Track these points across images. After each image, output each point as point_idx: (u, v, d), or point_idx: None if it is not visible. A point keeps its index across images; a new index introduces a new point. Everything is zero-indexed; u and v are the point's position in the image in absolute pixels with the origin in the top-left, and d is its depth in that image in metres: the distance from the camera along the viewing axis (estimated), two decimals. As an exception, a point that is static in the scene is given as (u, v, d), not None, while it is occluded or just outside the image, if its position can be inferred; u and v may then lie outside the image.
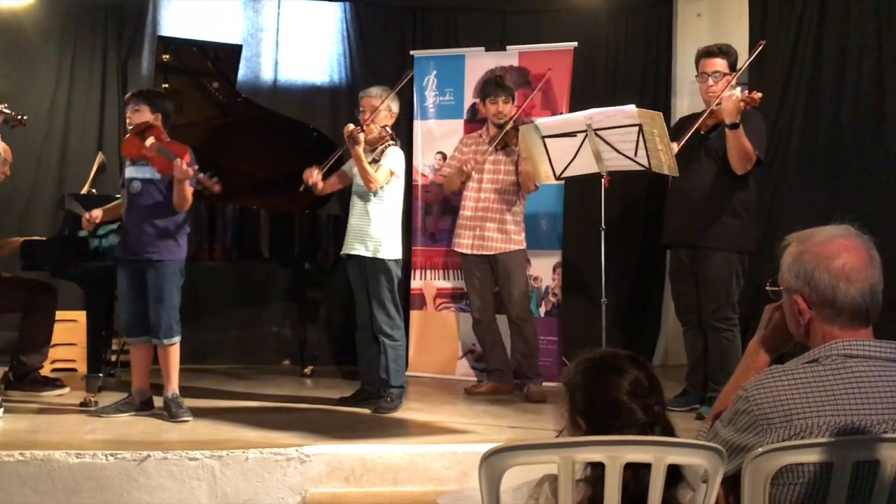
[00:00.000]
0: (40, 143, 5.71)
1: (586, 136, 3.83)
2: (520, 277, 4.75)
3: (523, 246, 4.77)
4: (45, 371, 4.80)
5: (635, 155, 3.80)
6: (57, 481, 3.24)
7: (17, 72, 5.51)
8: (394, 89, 4.41)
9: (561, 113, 5.10)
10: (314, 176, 4.37)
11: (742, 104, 3.83)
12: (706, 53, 4.21)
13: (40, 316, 4.65)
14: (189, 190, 3.89)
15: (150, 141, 3.87)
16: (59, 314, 4.85)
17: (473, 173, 4.73)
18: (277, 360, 6.05)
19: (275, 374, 5.59)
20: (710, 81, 4.14)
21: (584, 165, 3.94)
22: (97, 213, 4.11)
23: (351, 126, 4.21)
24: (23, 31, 5.73)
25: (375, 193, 4.30)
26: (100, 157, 4.94)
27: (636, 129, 3.73)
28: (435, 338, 5.41)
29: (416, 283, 5.49)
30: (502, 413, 4.30)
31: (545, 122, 4.08)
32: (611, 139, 3.79)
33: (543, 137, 3.94)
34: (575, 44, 5.30)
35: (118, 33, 5.92)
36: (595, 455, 1.64)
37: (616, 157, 3.84)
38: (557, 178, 4.13)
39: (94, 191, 4.97)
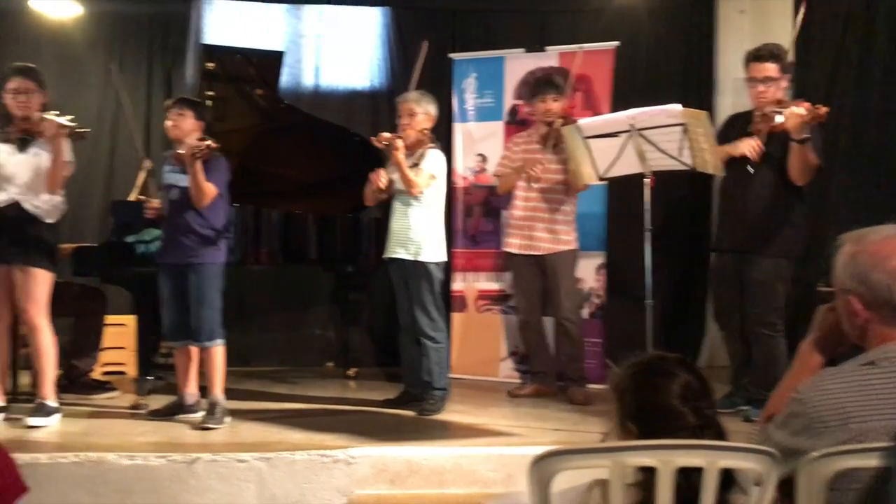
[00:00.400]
0: (89, 152, 5.82)
1: (629, 136, 3.80)
2: (568, 278, 4.70)
3: (573, 246, 4.72)
4: (96, 374, 4.91)
5: (679, 155, 3.76)
6: (110, 483, 3.31)
7: (66, 82, 5.62)
8: (414, 73, 4.39)
9: (602, 113, 5.07)
10: (381, 177, 4.35)
11: (808, 119, 3.72)
12: (755, 57, 4.10)
13: (91, 321, 4.76)
14: (202, 182, 3.89)
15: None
16: (109, 318, 4.95)
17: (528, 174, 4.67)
18: (321, 361, 6.10)
19: (318, 375, 5.64)
20: (761, 87, 4.05)
21: (628, 166, 3.91)
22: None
23: (386, 134, 4.22)
24: (71, 42, 5.87)
25: (416, 197, 4.31)
26: (147, 164, 5.02)
27: (680, 128, 3.69)
28: (477, 340, 5.40)
29: (457, 285, 5.49)
30: (546, 416, 4.28)
31: (587, 122, 4.06)
32: (655, 139, 3.75)
33: (586, 138, 3.92)
34: (616, 43, 5.26)
35: (163, 42, 6.03)
36: (646, 459, 1.63)
37: (660, 156, 3.80)
38: (600, 179, 4.11)
39: (141, 197, 5.05)
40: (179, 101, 4.15)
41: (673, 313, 5.87)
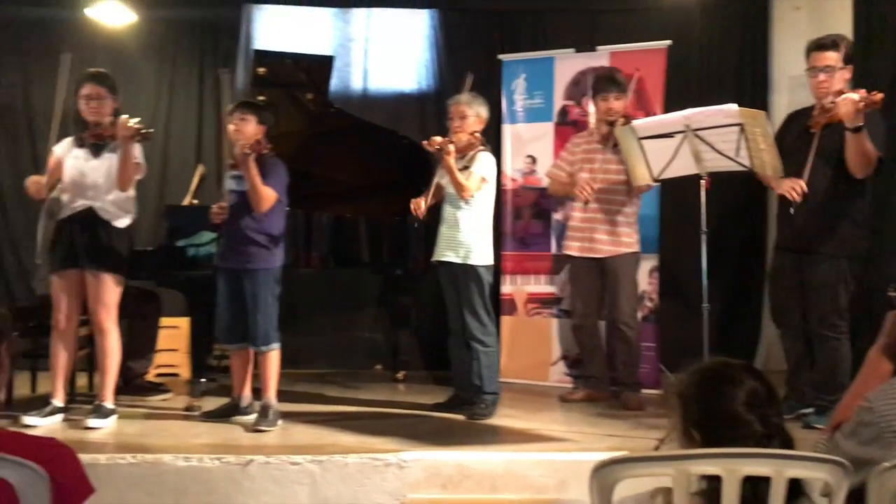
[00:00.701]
0: (142, 155, 5.94)
1: (685, 136, 3.73)
2: (628, 282, 4.63)
3: (635, 248, 4.64)
4: (150, 376, 4.99)
5: (737, 155, 3.68)
6: (166, 483, 3.35)
7: (121, 87, 5.70)
8: (482, 103, 4.37)
9: (655, 114, 5.00)
10: (422, 207, 4.35)
11: (861, 106, 3.59)
12: (817, 46, 4.01)
13: (146, 323, 4.83)
14: (258, 185, 3.90)
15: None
16: (162, 321, 5.03)
17: (584, 174, 4.60)
18: (369, 364, 6.12)
19: (367, 378, 5.65)
20: (822, 77, 3.95)
21: (683, 167, 3.84)
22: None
23: (438, 138, 4.19)
24: (125, 49, 5.99)
25: (466, 201, 4.28)
26: (201, 169, 5.10)
27: (737, 128, 3.61)
28: (526, 343, 5.36)
29: (506, 289, 5.46)
30: (599, 421, 4.22)
31: (642, 123, 4.00)
32: (711, 139, 3.68)
33: (640, 139, 3.86)
34: (668, 42, 5.19)
35: (214, 48, 6.12)
36: (711, 468, 1.60)
37: (716, 157, 3.72)
38: (655, 181, 4.05)
39: (195, 202, 5.13)
40: (242, 105, 4.15)
41: (727, 316, 5.76)
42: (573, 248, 4.72)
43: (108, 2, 5.45)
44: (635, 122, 4.05)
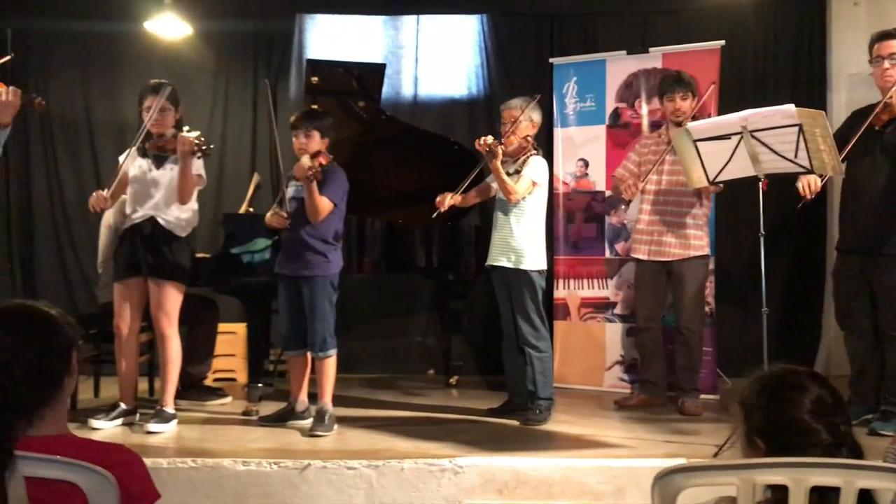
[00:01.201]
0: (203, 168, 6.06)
1: (741, 138, 3.67)
2: (694, 286, 4.55)
3: (704, 252, 4.57)
4: (209, 380, 5.08)
5: (796, 156, 3.61)
6: (225, 487, 3.40)
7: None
8: (529, 104, 4.36)
9: (709, 115, 4.92)
10: (446, 203, 4.34)
11: None
12: (882, 36, 3.92)
13: (204, 329, 4.92)
14: (316, 200, 3.94)
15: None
16: (220, 327, 5.11)
17: (652, 175, 4.55)
18: (422, 369, 6.15)
19: (420, 383, 5.68)
20: (886, 65, 3.85)
21: (740, 169, 3.77)
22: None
23: (490, 138, 4.19)
24: (180, 61, 6.12)
25: (517, 204, 4.27)
26: (256, 178, 5.17)
27: (796, 129, 3.53)
28: (580, 348, 5.33)
29: (559, 293, 5.43)
30: (656, 427, 4.17)
31: (697, 125, 3.94)
32: (768, 141, 3.61)
33: (695, 141, 3.80)
34: (722, 42, 5.11)
35: (267, 59, 6.23)
36: (777, 477, 1.56)
37: (774, 158, 3.65)
38: (711, 183, 3.98)
39: (251, 210, 5.20)
40: (305, 120, 4.15)
41: (786, 320, 5.64)
42: (640, 252, 4.65)
43: (165, 15, 5.57)
44: (690, 125, 3.99)
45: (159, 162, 4.12)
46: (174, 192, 4.07)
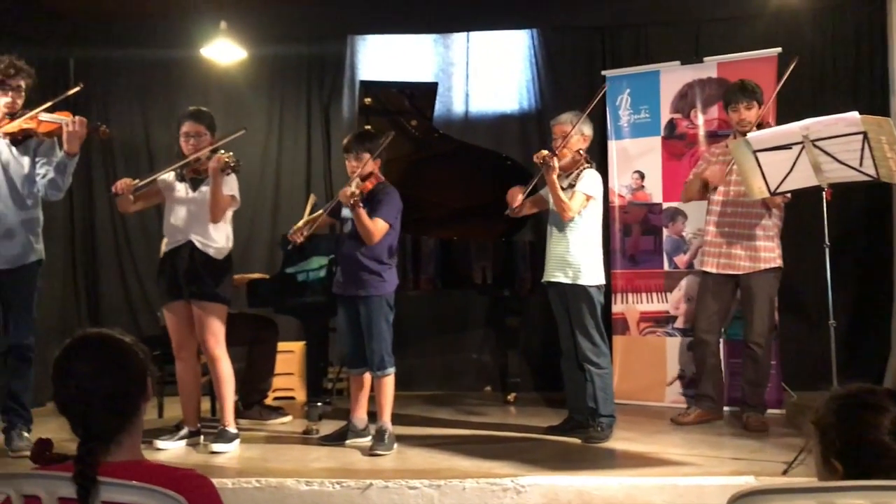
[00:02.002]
0: (255, 187, 6.18)
1: (803, 147, 3.59)
2: (764, 300, 4.45)
3: (776, 264, 4.46)
4: (269, 400, 5.13)
5: (860, 165, 3.51)
6: (289, 507, 3.43)
7: (233, 123, 5.94)
8: (585, 111, 4.33)
9: (768, 124, 4.83)
10: (518, 198, 4.30)
11: None
12: None
13: (264, 349, 4.99)
14: (365, 223, 3.97)
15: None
16: (278, 346, 5.17)
17: (720, 186, 4.50)
18: (479, 386, 6.14)
19: (478, 400, 5.67)
20: None
21: (802, 179, 3.69)
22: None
23: (544, 152, 4.16)
24: (236, 85, 6.25)
25: (573, 219, 4.24)
26: (312, 199, 5.22)
27: (860, 137, 3.45)
28: (641, 363, 5.25)
29: (617, 308, 5.37)
30: (721, 443, 4.09)
31: (757, 135, 3.86)
32: (831, 150, 3.52)
33: (755, 152, 3.73)
34: (778, 50, 5.03)
35: (320, 81, 6.32)
36: (858, 501, 1.51)
37: (838, 168, 3.56)
38: (772, 194, 3.90)
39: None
40: (356, 142, 4.17)
41: (853, 332, 5.48)
42: (710, 265, 4.57)
43: (220, 41, 5.69)
44: (750, 135, 3.91)
45: (195, 185, 4.19)
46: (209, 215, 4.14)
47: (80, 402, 1.59)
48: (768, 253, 4.44)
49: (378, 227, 4.03)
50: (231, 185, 4.14)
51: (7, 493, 1.66)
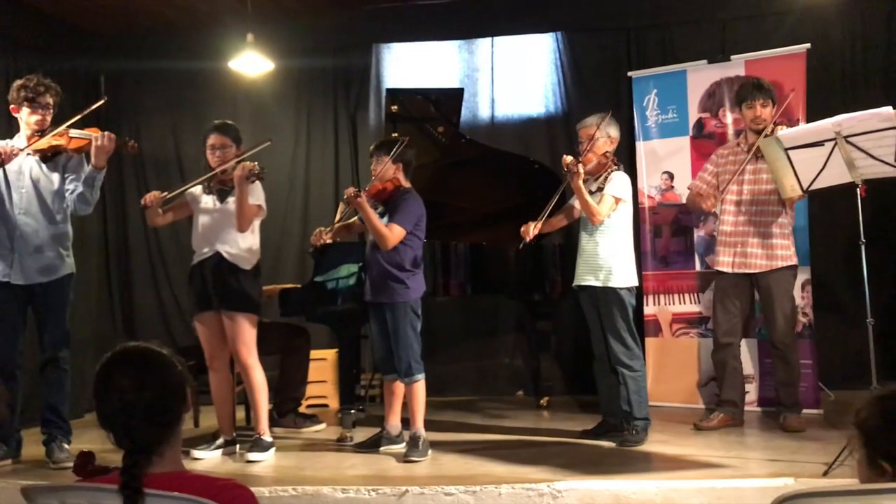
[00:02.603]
0: (285, 197, 6.23)
1: (835, 144, 3.54)
2: (785, 299, 4.41)
3: (792, 262, 4.42)
4: (302, 407, 5.16)
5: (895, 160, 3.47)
6: (326, 515, 3.44)
7: (262, 134, 5.97)
8: (603, 120, 4.29)
9: (797, 122, 4.79)
10: (531, 232, 4.30)
11: None
12: None
13: (297, 357, 5.02)
14: (378, 227, 4.01)
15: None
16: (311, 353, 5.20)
17: (733, 185, 4.46)
18: (511, 390, 6.12)
19: (510, 404, 5.65)
20: None
21: (835, 176, 3.64)
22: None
23: (568, 159, 4.14)
24: (263, 97, 6.30)
25: (602, 223, 4.21)
26: (342, 207, 5.23)
27: (894, 132, 3.40)
28: (674, 366, 5.21)
29: (649, 310, 5.33)
30: (758, 445, 4.05)
31: (788, 133, 3.83)
32: (865, 145, 3.48)
33: (787, 149, 3.69)
34: (807, 46, 4.97)
35: (346, 90, 6.36)
36: (906, 502, 1.49)
37: (872, 164, 3.51)
38: (804, 192, 3.85)
39: (338, 239, 5.28)
40: (377, 147, 4.24)
41: (889, 329, 5.38)
42: (724, 264, 4.53)
43: (248, 53, 5.74)
44: (781, 133, 3.87)
45: (222, 196, 4.23)
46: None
47: (122, 415, 1.62)
48: (784, 251, 4.40)
49: (394, 232, 4.04)
50: (257, 195, 4.18)
51: (53, 504, 1.69)
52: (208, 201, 4.25)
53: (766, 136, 4.22)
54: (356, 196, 3.99)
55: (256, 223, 4.27)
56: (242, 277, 4.18)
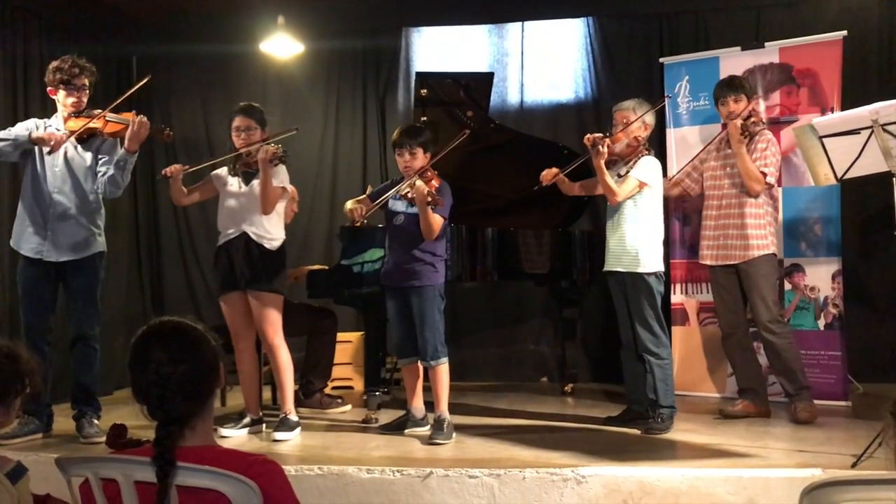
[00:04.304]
0: (313, 180, 6.25)
1: (872, 132, 3.49)
2: (764, 286, 4.40)
3: (768, 251, 4.42)
4: (328, 389, 5.20)
5: (934, 149, 3.41)
6: (351, 494, 3.47)
7: (290, 117, 6.02)
8: (648, 108, 4.28)
9: (832, 109, 4.73)
10: (549, 177, 4.39)
11: None
12: None
13: (324, 339, 5.05)
14: (432, 220, 3.99)
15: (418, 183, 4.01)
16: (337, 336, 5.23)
17: (711, 181, 4.58)
18: (535, 377, 6.12)
19: (534, 391, 5.65)
20: None
21: (871, 165, 3.58)
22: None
23: (595, 134, 4.14)
24: (293, 80, 6.32)
25: (630, 207, 4.19)
26: (370, 190, 5.24)
27: (933, 120, 3.34)
28: (701, 355, 5.17)
29: (676, 298, 5.29)
30: (785, 435, 4.01)
31: (822, 121, 3.77)
32: (903, 134, 3.42)
33: (821, 138, 3.64)
34: (843, 33, 4.88)
35: (375, 73, 6.35)
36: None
37: (909, 153, 3.46)
38: (839, 180, 3.80)
39: (365, 221, 5.29)
40: (409, 137, 4.16)
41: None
42: (709, 258, 4.61)
43: (278, 36, 5.76)
44: (816, 121, 3.81)
45: (247, 179, 4.25)
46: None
47: (156, 387, 1.64)
48: (758, 240, 4.41)
49: (439, 221, 4.04)
50: (281, 177, 4.20)
51: (86, 475, 1.72)
52: (233, 183, 4.27)
53: (744, 128, 4.32)
54: (435, 199, 3.90)
55: (281, 205, 4.29)
56: (268, 258, 4.21)
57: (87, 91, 4.18)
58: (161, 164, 6.42)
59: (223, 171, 4.32)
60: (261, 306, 4.19)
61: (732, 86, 4.53)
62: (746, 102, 4.49)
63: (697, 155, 4.75)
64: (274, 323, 4.22)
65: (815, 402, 4.43)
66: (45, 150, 4.08)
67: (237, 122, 4.26)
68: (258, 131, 4.25)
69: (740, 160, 4.35)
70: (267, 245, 4.20)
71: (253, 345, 4.40)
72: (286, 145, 4.21)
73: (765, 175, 4.38)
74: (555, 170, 4.41)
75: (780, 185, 4.77)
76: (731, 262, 4.49)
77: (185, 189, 4.25)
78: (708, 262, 4.61)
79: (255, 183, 4.20)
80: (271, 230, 4.23)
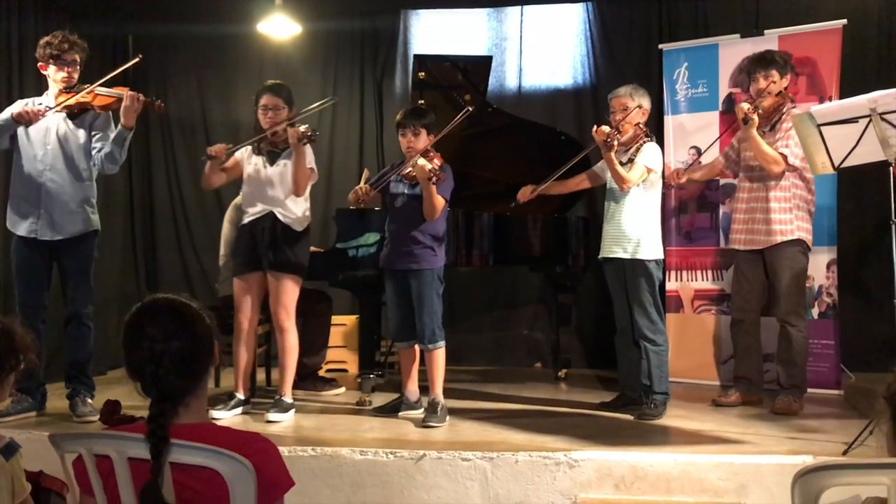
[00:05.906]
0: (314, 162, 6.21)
1: (870, 121, 3.48)
2: (786, 273, 4.31)
3: (793, 236, 4.29)
4: (322, 371, 5.20)
5: (932, 138, 3.40)
6: (344, 476, 3.48)
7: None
8: (644, 94, 4.28)
9: (830, 98, 4.72)
10: (525, 195, 4.50)
11: None
12: None
13: (319, 321, 5.05)
14: (436, 200, 3.98)
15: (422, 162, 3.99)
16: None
17: (745, 162, 4.45)
18: (529, 362, 6.14)
19: (528, 376, 5.67)
20: None
21: (868, 153, 3.58)
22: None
23: (606, 129, 4.12)
24: (290, 60, 6.28)
25: (629, 193, 4.19)
26: (366, 174, 5.24)
27: (932, 110, 3.34)
28: (694, 342, 5.19)
29: (671, 285, 5.30)
30: (777, 422, 4.02)
31: (821, 108, 3.76)
32: (901, 123, 3.42)
33: (819, 126, 3.64)
34: (843, 21, 4.87)
35: (373, 55, 6.33)
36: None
37: (907, 142, 3.45)
38: (836, 169, 3.79)
39: (361, 205, 5.28)
40: (413, 118, 4.15)
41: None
42: (737, 242, 4.51)
43: (276, 16, 5.72)
44: (814, 109, 3.81)
45: (273, 158, 4.23)
46: (289, 188, 4.17)
47: (150, 364, 1.63)
48: (783, 226, 4.29)
49: (441, 202, 4.03)
50: (310, 158, 4.18)
51: (79, 451, 1.72)
52: (258, 162, 4.26)
53: (746, 115, 4.20)
54: (436, 174, 3.89)
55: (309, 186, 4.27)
56: (294, 240, 4.21)
57: (78, 67, 4.15)
58: (156, 144, 6.43)
59: (247, 149, 4.29)
60: (280, 287, 4.19)
61: (763, 61, 4.38)
62: (779, 79, 4.35)
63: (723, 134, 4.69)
64: (288, 306, 4.22)
65: (809, 390, 4.44)
66: (29, 125, 4.03)
67: (264, 100, 4.23)
68: (285, 111, 4.22)
69: (751, 143, 4.27)
70: (294, 226, 4.20)
71: (255, 326, 4.39)
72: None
73: (785, 157, 4.24)
74: (530, 188, 4.47)
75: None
76: (756, 248, 4.40)
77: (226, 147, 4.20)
78: (735, 247, 4.51)
79: (281, 164, 4.19)
80: (297, 210, 4.23)
